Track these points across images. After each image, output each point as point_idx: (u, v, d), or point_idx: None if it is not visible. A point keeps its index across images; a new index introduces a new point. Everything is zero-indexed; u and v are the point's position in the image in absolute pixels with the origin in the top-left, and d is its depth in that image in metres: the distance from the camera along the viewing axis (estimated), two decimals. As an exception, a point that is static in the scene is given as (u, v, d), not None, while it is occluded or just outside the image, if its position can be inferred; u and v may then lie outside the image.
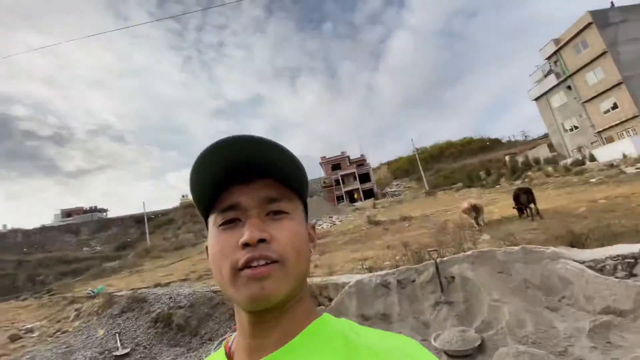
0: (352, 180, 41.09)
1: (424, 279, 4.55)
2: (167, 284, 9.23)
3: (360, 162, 44.81)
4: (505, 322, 3.51)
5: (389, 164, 50.00)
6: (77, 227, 42.88)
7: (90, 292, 10.30)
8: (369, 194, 38.50)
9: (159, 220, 39.17)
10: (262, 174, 0.46)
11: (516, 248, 4.22)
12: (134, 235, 36.72)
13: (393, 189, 39.22)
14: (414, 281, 4.62)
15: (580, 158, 22.05)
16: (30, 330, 8.17)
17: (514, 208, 9.19)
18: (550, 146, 29.44)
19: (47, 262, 26.85)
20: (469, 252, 4.56)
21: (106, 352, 5.92)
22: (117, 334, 6.44)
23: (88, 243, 37.73)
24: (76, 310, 8.36)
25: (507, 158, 30.35)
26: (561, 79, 26.91)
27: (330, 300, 5.61)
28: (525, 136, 42.60)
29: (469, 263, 4.37)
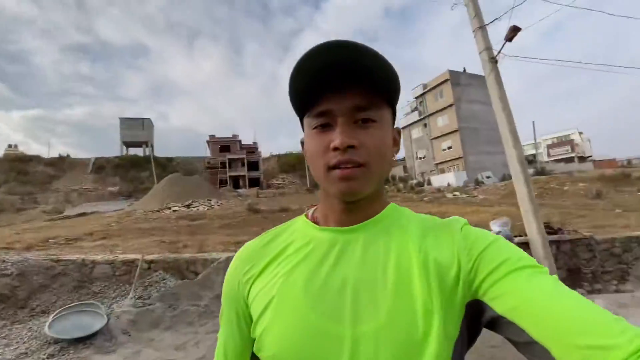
0: (240, 166, 40.27)
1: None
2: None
3: (252, 150, 44.19)
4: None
5: (278, 156, 51.08)
6: None
7: None
8: (254, 183, 38.47)
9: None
10: (353, 81, 0.47)
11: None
12: None
13: (279, 182, 40.42)
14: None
15: (422, 181, 28.26)
16: None
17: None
18: (405, 168, 36.72)
19: None
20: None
21: None
22: None
23: None
24: None
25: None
26: (422, 117, 33.78)
27: (197, 274, 5.76)
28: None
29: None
